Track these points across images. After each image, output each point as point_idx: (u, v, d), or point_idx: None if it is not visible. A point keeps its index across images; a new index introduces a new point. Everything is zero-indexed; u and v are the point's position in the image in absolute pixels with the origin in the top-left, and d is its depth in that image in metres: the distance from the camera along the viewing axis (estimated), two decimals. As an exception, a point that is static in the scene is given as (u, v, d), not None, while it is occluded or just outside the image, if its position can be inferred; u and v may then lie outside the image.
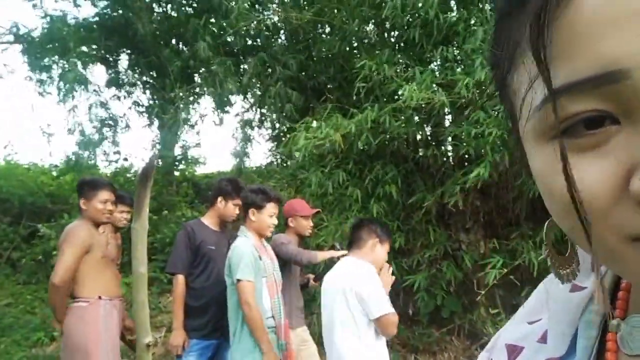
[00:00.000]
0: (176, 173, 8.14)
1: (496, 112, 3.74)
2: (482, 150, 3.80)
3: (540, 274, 3.99)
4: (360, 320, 2.39)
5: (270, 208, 2.90)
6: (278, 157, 6.56)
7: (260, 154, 11.43)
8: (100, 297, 2.93)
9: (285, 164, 6.32)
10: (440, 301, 4.57)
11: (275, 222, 2.94)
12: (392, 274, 2.71)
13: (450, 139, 4.50)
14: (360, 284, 2.41)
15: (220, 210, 3.22)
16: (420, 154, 4.75)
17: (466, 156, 4.33)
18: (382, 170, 4.81)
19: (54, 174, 8.97)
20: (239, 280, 2.67)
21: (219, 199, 3.21)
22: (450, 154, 4.88)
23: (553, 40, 0.27)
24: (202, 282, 3.08)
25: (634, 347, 0.34)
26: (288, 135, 4.57)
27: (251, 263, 2.71)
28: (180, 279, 3.01)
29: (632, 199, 0.26)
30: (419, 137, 5.14)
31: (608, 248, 0.29)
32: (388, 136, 4.61)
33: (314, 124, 4.53)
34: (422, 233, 4.76)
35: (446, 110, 4.57)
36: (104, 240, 3.08)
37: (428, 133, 5.14)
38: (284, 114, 5.60)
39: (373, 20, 5.16)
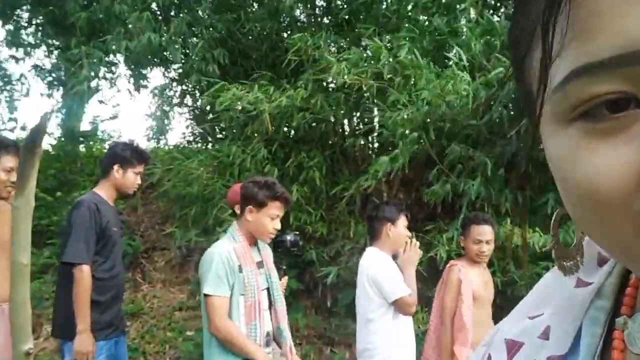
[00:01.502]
0: (82, 149, 7.45)
1: (415, 97, 3.74)
2: (399, 137, 3.81)
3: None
4: (377, 302, 2.56)
5: (274, 209, 2.39)
6: (198, 137, 6.19)
7: (179, 133, 10.73)
8: None
9: (206, 144, 5.97)
10: (358, 292, 4.54)
11: (279, 226, 2.44)
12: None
13: (377, 126, 4.45)
14: (374, 270, 2.59)
15: (118, 180, 2.72)
16: (348, 142, 4.65)
17: (390, 147, 4.28)
18: (307, 155, 4.69)
19: None
20: (206, 295, 2.21)
21: (115, 167, 2.72)
22: (375, 142, 4.84)
23: (573, 18, 0.25)
24: (107, 272, 2.63)
25: None
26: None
27: (224, 274, 2.22)
28: (86, 270, 2.49)
29: None
30: (346, 124, 5.08)
31: (624, 240, 0.27)
32: (316, 117, 4.47)
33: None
34: (345, 223, 4.70)
35: (374, 98, 4.51)
36: None
37: (355, 122, 5.08)
38: (208, 81, 5.24)
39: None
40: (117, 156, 2.75)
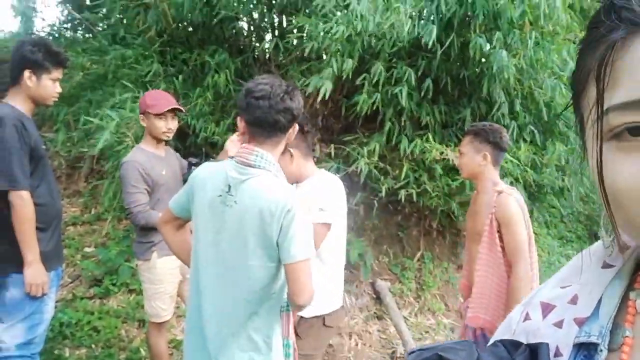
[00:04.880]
0: None
1: (346, 10, 3.45)
2: (327, 52, 3.55)
3: (365, 181, 4.11)
4: None
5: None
6: (77, 24, 5.23)
7: (53, 16, 8.86)
8: None
9: (90, 33, 5.08)
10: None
11: None
12: None
13: (295, 30, 4.09)
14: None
15: (32, 90, 2.28)
16: (261, 47, 4.24)
17: (312, 53, 4.01)
18: (211, 56, 4.23)
19: None
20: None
21: (27, 73, 2.27)
22: (294, 45, 4.49)
23: (614, 72, 0.40)
24: (45, 197, 2.31)
25: None
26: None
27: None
28: (26, 196, 2.18)
29: None
30: (261, 23, 4.60)
31: (638, 228, 0.41)
32: (221, 14, 3.97)
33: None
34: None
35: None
36: None
37: (272, 21, 4.62)
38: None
39: None
40: (26, 60, 2.28)
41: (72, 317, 3.53)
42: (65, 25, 5.25)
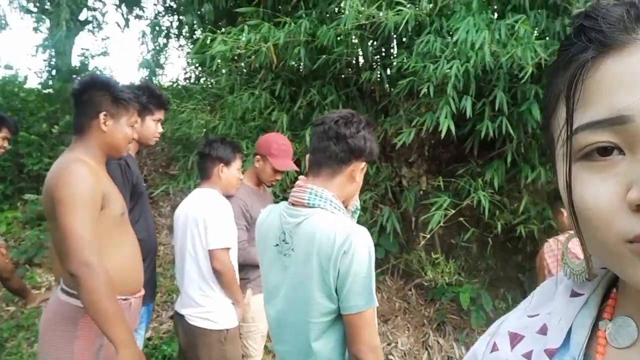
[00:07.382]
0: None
1: (454, 39, 3.14)
2: (441, 89, 3.28)
3: (478, 216, 3.71)
4: (201, 250, 2.40)
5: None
6: (198, 72, 5.67)
7: (178, 68, 10.04)
8: None
9: (208, 83, 5.48)
10: (375, 240, 4.24)
11: None
12: None
13: (395, 68, 3.89)
14: (206, 212, 2.38)
15: (136, 130, 2.32)
16: (364, 77, 4.12)
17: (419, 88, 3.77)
18: (318, 94, 4.21)
19: None
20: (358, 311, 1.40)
21: None
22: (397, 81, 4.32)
23: (584, 92, 0.40)
24: (142, 231, 2.28)
25: (620, 342, 0.45)
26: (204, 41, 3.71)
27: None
28: None
29: (627, 208, 0.37)
30: (361, 58, 4.53)
31: (609, 249, 0.39)
32: (329, 57, 3.93)
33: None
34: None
35: (392, 33, 3.92)
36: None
37: (373, 52, 4.52)
38: (205, 19, 4.71)
39: None
40: None
41: (175, 349, 3.63)
42: (186, 76, 5.72)
